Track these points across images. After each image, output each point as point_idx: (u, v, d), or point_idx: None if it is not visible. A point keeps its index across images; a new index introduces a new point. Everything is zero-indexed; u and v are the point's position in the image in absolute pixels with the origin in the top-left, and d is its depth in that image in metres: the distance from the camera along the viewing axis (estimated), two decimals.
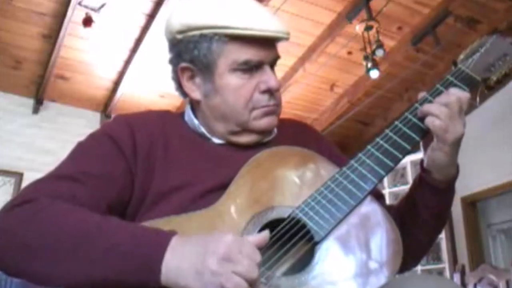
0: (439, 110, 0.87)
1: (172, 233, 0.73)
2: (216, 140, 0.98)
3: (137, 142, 0.91)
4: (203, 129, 0.98)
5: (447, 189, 0.94)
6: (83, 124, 4.50)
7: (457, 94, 0.89)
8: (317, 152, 0.96)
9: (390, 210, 0.97)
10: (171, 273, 0.69)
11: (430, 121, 0.88)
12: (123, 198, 0.87)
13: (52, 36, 3.71)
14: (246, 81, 0.93)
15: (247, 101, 0.93)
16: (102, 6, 3.38)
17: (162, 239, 0.72)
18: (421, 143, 0.95)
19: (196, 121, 0.99)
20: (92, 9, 3.39)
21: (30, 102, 4.48)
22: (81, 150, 0.91)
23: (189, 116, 1.01)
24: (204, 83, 0.95)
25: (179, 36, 0.95)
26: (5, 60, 4.01)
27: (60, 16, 3.51)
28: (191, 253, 0.69)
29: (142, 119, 0.97)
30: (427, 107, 0.89)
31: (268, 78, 0.94)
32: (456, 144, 0.89)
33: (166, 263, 0.69)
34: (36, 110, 4.48)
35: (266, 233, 0.74)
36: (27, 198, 0.79)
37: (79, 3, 3.33)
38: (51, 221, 0.76)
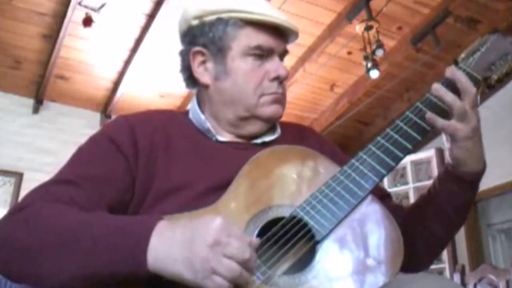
0: (453, 125, 0.87)
1: (157, 219, 0.73)
2: (220, 138, 0.98)
3: (138, 142, 0.91)
4: (208, 124, 0.98)
5: (473, 182, 0.92)
6: (83, 124, 4.50)
7: (473, 89, 0.88)
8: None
9: (402, 209, 0.97)
10: (160, 260, 0.69)
11: (450, 128, 0.86)
12: (124, 199, 0.87)
13: (52, 36, 3.72)
14: (256, 68, 0.96)
15: (257, 86, 0.96)
16: (102, 6, 3.38)
17: (147, 226, 0.72)
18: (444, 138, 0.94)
19: (202, 116, 0.99)
20: (92, 9, 3.40)
21: (30, 102, 4.48)
22: (81, 154, 0.92)
23: (194, 110, 1.01)
24: (215, 66, 0.98)
25: (195, 22, 0.98)
26: (5, 60, 4.01)
27: (60, 16, 3.51)
28: (180, 239, 0.69)
29: (143, 118, 0.97)
30: (440, 121, 0.88)
31: (277, 66, 0.97)
32: (474, 136, 0.87)
33: (153, 249, 0.69)
34: (36, 110, 4.48)
35: (255, 239, 0.74)
36: (24, 205, 0.81)
37: (79, 3, 3.33)
38: (40, 223, 0.77)
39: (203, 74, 0.99)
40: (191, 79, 1.02)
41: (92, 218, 0.77)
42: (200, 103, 1.02)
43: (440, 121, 0.87)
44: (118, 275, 0.71)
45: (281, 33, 0.98)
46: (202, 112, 1.01)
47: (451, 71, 0.90)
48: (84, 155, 0.91)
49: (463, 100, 0.87)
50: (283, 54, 1.01)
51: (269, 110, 0.97)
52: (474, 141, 0.88)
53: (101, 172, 0.87)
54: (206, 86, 1.00)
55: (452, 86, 0.89)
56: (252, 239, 0.70)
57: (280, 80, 0.98)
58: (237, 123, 0.99)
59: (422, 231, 0.82)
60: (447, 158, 0.93)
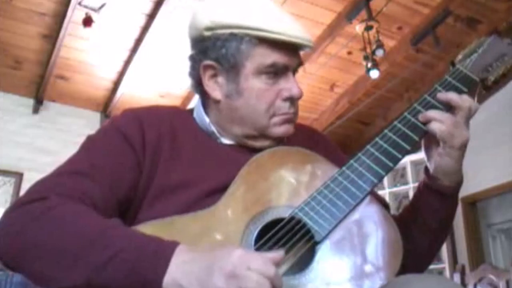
0: (442, 116, 0.88)
1: (175, 243, 0.71)
2: (225, 141, 0.98)
3: (145, 137, 0.90)
4: (213, 128, 0.97)
5: (453, 194, 0.94)
6: (83, 124, 4.51)
7: (470, 102, 0.90)
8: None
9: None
10: (175, 285, 0.67)
11: (436, 127, 0.88)
12: (132, 194, 0.87)
13: (52, 36, 3.72)
14: (270, 87, 0.93)
15: (269, 107, 0.93)
16: (102, 6, 3.38)
17: (166, 250, 0.70)
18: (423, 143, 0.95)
19: (206, 119, 0.98)
20: (92, 9, 3.40)
21: (30, 102, 4.49)
22: (92, 145, 0.91)
23: (199, 113, 1.00)
24: (227, 83, 0.94)
25: (207, 33, 0.93)
26: (5, 60, 4.01)
27: (60, 16, 3.51)
28: (198, 268, 0.68)
29: (151, 113, 0.97)
30: (430, 113, 0.90)
31: (291, 85, 0.94)
32: (463, 148, 0.89)
33: (170, 275, 0.68)
34: (36, 110, 4.49)
35: (280, 252, 0.71)
36: (38, 196, 0.79)
37: (79, 3, 3.33)
38: (57, 223, 0.75)
39: (214, 88, 0.95)
40: (199, 88, 0.99)
41: (110, 229, 0.74)
42: (205, 106, 1.01)
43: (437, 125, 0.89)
44: None
45: (296, 47, 0.94)
46: (207, 115, 0.99)
47: (443, 96, 0.92)
48: (96, 146, 0.90)
49: (457, 115, 0.89)
50: (296, 68, 0.97)
51: (279, 130, 0.95)
52: (464, 152, 0.90)
53: (113, 165, 0.86)
54: (216, 101, 0.96)
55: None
56: (274, 270, 0.67)
57: (292, 101, 0.95)
58: (244, 139, 0.97)
59: (409, 245, 0.81)
60: (430, 169, 0.93)
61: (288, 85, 0.93)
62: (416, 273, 0.94)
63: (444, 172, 0.91)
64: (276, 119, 0.94)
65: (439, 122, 0.88)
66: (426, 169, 0.95)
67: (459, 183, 0.94)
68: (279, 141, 0.98)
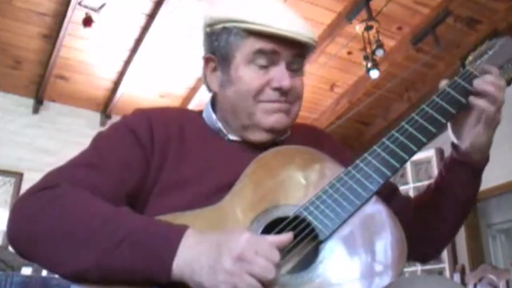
0: (497, 93, 0.91)
1: (185, 226, 0.74)
2: (231, 137, 0.99)
3: (154, 135, 0.92)
4: (219, 124, 0.99)
5: (482, 170, 1.00)
6: (83, 124, 4.51)
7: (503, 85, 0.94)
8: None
9: (411, 200, 1.02)
10: (185, 267, 0.70)
11: (486, 106, 0.91)
12: (139, 189, 0.88)
13: (52, 36, 3.72)
14: (260, 76, 0.94)
15: (257, 93, 0.93)
16: (102, 6, 3.38)
17: (176, 232, 0.73)
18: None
19: (213, 116, 1.00)
20: (92, 9, 3.40)
21: (30, 102, 4.49)
22: (103, 140, 0.93)
23: (208, 110, 1.02)
24: (222, 74, 0.98)
25: (208, 30, 0.99)
26: (5, 60, 4.01)
27: (60, 16, 3.52)
28: (207, 250, 0.70)
29: (161, 113, 0.99)
30: (485, 85, 0.92)
31: (281, 76, 0.93)
32: (495, 129, 0.95)
33: (180, 256, 0.70)
34: (36, 110, 4.49)
35: (289, 234, 0.74)
36: (49, 184, 0.81)
37: (79, 3, 3.33)
38: (68, 209, 0.77)
39: (213, 81, 1.00)
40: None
41: (119, 213, 0.77)
42: (213, 105, 1.04)
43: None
44: (136, 276, 0.71)
45: (290, 40, 0.92)
46: (215, 113, 1.01)
47: (479, 83, 0.93)
48: (106, 142, 0.93)
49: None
50: (294, 62, 0.96)
51: (268, 120, 0.94)
52: (494, 131, 0.95)
53: (122, 160, 0.88)
54: (215, 93, 1.01)
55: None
56: (279, 256, 0.70)
57: (283, 92, 0.93)
58: (241, 131, 0.98)
59: (435, 220, 0.86)
60: (462, 146, 0.96)
61: (278, 75, 0.93)
62: (440, 246, 1.04)
63: (480, 148, 0.95)
64: (264, 106, 0.94)
65: (489, 102, 0.91)
66: (455, 146, 0.98)
67: (488, 159, 0.98)
68: (277, 135, 0.98)
